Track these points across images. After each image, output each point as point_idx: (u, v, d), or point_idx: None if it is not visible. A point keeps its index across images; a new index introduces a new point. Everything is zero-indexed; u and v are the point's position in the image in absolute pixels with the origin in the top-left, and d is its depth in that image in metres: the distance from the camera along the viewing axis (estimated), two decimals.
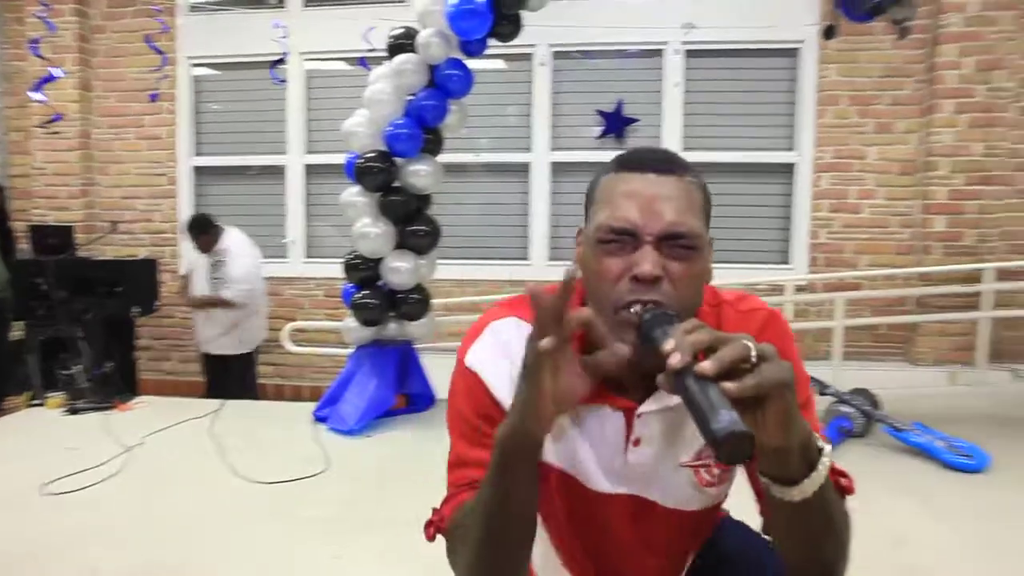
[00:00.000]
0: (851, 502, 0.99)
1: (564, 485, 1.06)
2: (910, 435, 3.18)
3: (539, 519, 1.04)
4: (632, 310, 0.90)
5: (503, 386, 1.00)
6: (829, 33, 3.61)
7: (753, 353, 0.77)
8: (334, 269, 5.14)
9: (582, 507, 1.07)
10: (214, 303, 4.37)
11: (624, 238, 0.93)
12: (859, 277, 4.99)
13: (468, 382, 1.04)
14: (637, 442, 1.02)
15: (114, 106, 5.62)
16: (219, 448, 3.14)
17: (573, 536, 1.11)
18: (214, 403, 3.82)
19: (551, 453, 1.04)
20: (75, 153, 5.53)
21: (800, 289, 5.10)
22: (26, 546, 2.22)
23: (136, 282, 4.60)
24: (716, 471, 1.06)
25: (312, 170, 5.55)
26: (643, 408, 1.00)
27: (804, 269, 5.14)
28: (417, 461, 3.11)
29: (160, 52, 4.72)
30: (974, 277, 4.72)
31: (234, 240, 4.52)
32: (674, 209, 0.94)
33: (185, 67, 5.54)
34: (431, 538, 1.03)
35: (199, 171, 5.68)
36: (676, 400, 0.83)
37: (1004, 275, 4.71)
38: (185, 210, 5.54)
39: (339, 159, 3.84)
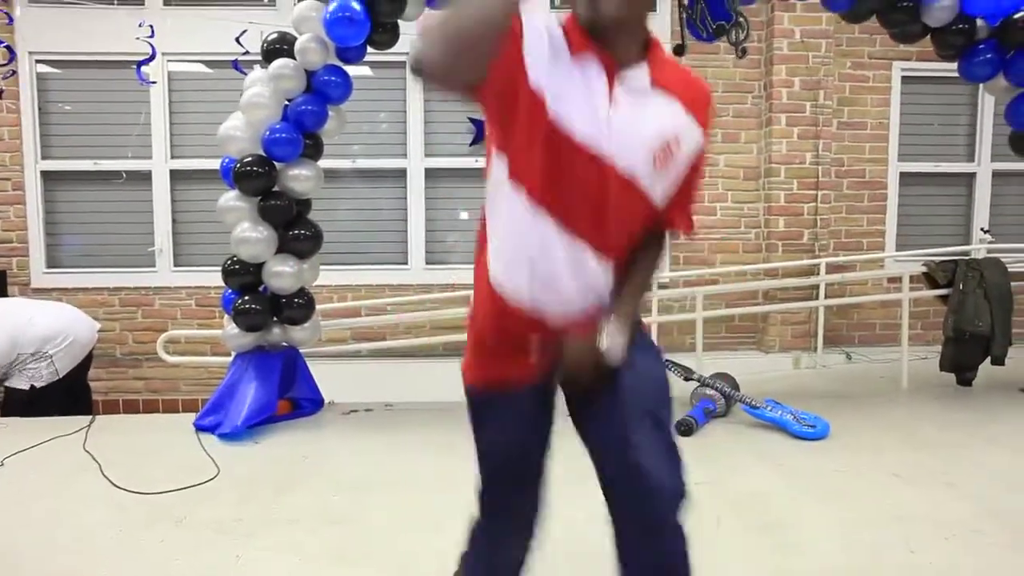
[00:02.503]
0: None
1: (549, 138, 1.21)
2: (764, 411, 3.55)
3: (527, 193, 1.24)
4: None
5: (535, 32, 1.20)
6: (678, 51, 3.97)
7: None
8: (206, 277, 5.02)
9: (558, 161, 1.22)
10: None
11: None
12: (715, 274, 5.46)
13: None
14: (615, 102, 1.22)
15: None
16: (96, 463, 2.97)
17: (545, 190, 1.24)
18: (84, 419, 3.58)
19: (544, 77, 1.19)
20: None
21: (663, 286, 5.50)
22: None
23: None
24: (665, 161, 1.28)
25: (177, 175, 5.31)
26: (625, 72, 1.23)
27: (666, 267, 5.55)
28: (309, 463, 3.10)
29: (10, 49, 4.36)
30: (811, 271, 5.32)
31: None
32: None
33: (28, 63, 5.14)
34: None
35: (48, 175, 5.28)
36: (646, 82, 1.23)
37: (833, 269, 5.35)
38: (34, 217, 5.13)
39: (206, 164, 3.74)
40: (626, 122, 1.23)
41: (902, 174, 5.74)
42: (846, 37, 5.44)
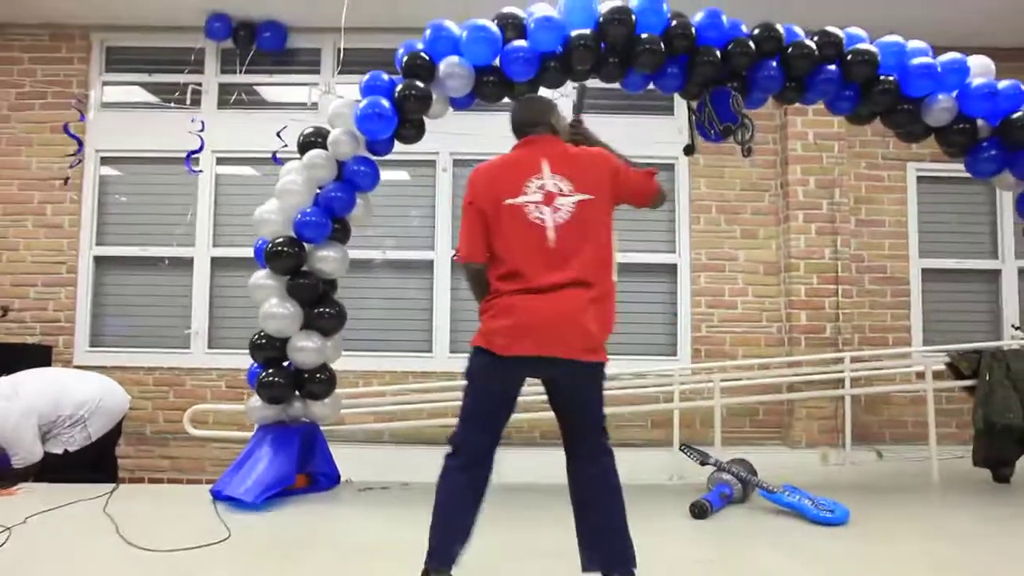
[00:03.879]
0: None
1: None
2: (782, 496, 3.48)
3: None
4: None
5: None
6: (689, 150, 4.19)
7: None
8: (237, 360, 5.20)
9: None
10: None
11: None
12: (737, 366, 5.46)
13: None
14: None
15: (15, 194, 5.58)
16: (114, 524, 3.04)
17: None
18: (108, 486, 3.68)
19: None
20: None
21: (685, 380, 5.50)
22: None
23: (28, 366, 4.43)
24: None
25: (217, 263, 5.64)
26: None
27: (688, 360, 5.58)
28: (322, 534, 3.13)
29: (79, 140, 4.81)
30: (835, 364, 5.28)
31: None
32: None
33: (94, 160, 5.62)
34: None
35: (99, 261, 5.65)
36: None
37: (858, 362, 5.31)
38: (83, 299, 5.45)
39: (246, 252, 4.00)
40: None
41: (924, 270, 5.78)
42: (859, 139, 5.65)
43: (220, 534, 2.96)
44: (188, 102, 5.64)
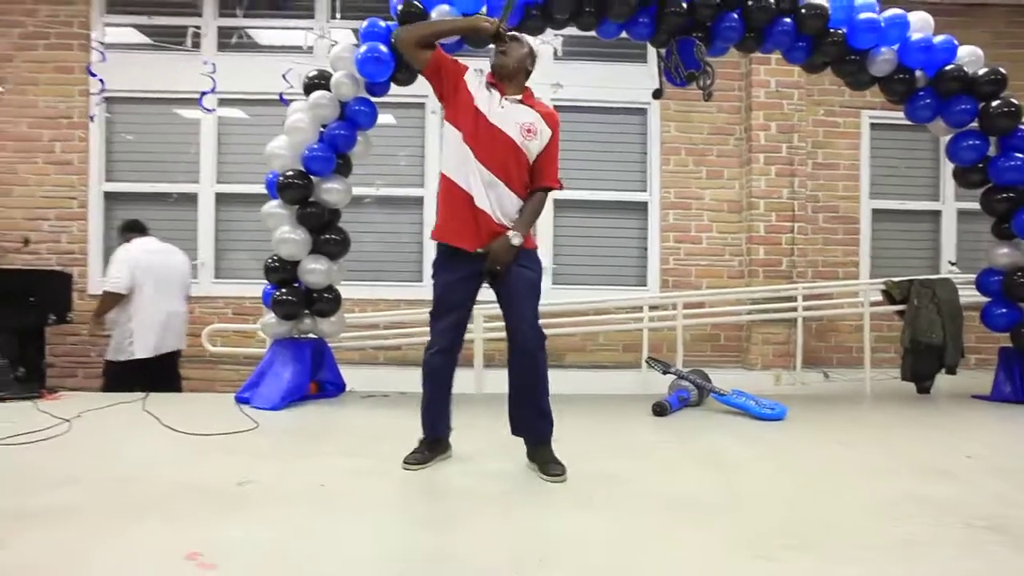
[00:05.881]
0: None
1: (476, 118, 2.69)
2: (730, 397, 4.04)
3: (461, 139, 2.69)
4: None
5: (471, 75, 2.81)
6: (657, 94, 4.61)
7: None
8: (243, 288, 5.64)
9: (479, 127, 2.68)
10: (102, 304, 4.66)
11: None
12: (701, 295, 6.00)
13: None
14: (502, 105, 2.71)
15: (24, 132, 5.87)
16: (155, 418, 3.52)
17: (471, 137, 2.69)
18: (139, 394, 4.15)
19: (479, 102, 2.72)
20: None
21: (653, 308, 6.03)
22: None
23: (50, 293, 4.84)
24: (528, 136, 2.71)
25: (221, 198, 6.01)
26: (504, 98, 2.74)
27: (657, 289, 6.11)
28: (335, 424, 3.66)
29: (101, 80, 5.10)
30: (790, 297, 5.83)
31: (130, 244, 4.79)
32: None
33: (99, 98, 5.91)
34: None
35: (109, 196, 6.00)
36: (519, 100, 2.76)
37: (809, 296, 5.87)
38: (96, 232, 5.82)
39: (247, 188, 4.34)
40: (508, 113, 2.72)
41: (874, 211, 6.32)
42: (817, 88, 6.10)
43: (249, 425, 3.46)
44: (189, 45, 5.93)
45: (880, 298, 5.19)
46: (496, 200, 2.69)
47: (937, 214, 6.37)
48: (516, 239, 2.66)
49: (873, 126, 6.28)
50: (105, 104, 5.83)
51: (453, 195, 2.72)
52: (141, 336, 4.65)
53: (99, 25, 5.97)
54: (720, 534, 2.09)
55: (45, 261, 5.81)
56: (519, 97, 2.77)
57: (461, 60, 2.89)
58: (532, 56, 2.87)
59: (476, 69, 2.85)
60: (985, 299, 4.61)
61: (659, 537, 2.09)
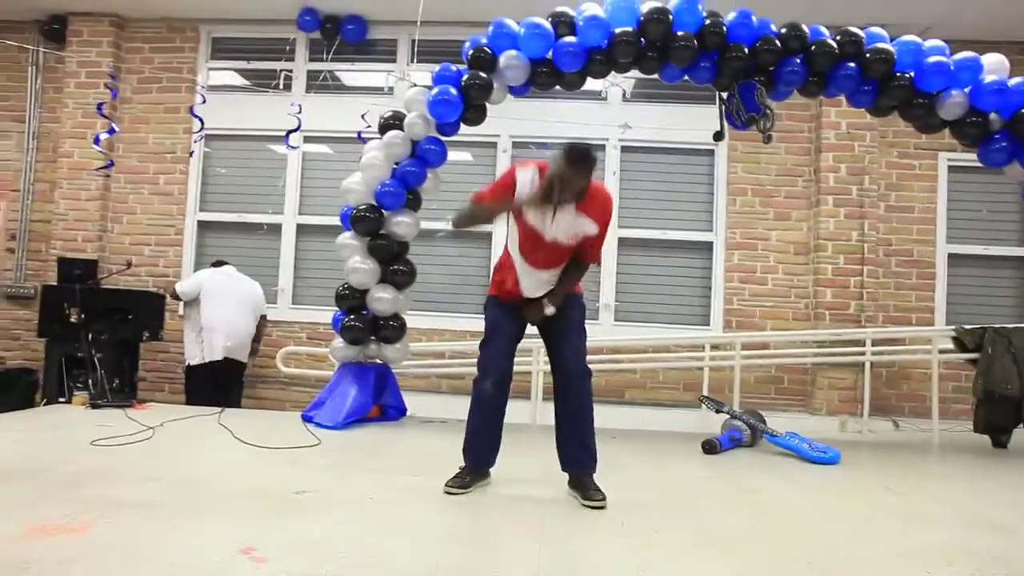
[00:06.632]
0: None
1: (529, 233, 2.84)
2: (783, 439, 4.01)
3: (519, 246, 2.89)
4: None
5: (523, 182, 2.75)
6: (717, 136, 4.70)
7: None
8: (316, 315, 5.98)
9: (534, 242, 2.84)
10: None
11: None
12: (763, 336, 5.94)
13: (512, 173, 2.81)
14: (555, 221, 2.77)
15: (135, 165, 6.47)
16: (228, 430, 3.81)
17: (526, 244, 2.88)
18: (215, 408, 4.49)
19: (531, 219, 2.80)
20: (95, 203, 6.35)
21: (715, 347, 6.01)
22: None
23: (146, 312, 5.31)
24: (578, 238, 2.84)
25: (302, 229, 6.42)
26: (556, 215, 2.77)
27: (719, 330, 6.08)
28: (393, 445, 3.86)
29: (200, 120, 5.62)
30: (857, 341, 5.70)
31: (210, 269, 5.58)
32: None
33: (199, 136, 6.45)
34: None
35: (202, 225, 6.51)
36: (573, 211, 2.80)
37: (879, 341, 5.72)
38: (188, 257, 6.35)
39: (325, 220, 4.64)
40: (560, 226, 2.80)
41: (951, 255, 6.12)
42: (891, 130, 6.00)
43: (312, 441, 3.70)
44: (280, 87, 6.43)
45: (952, 346, 5.02)
46: (546, 285, 2.95)
47: (1022, 260, 6.11)
48: (549, 310, 2.90)
49: (952, 168, 6.12)
50: (204, 140, 6.35)
51: (508, 274, 2.98)
52: (209, 341, 5.23)
53: (204, 69, 6.56)
54: (743, 565, 2.13)
55: (143, 283, 6.33)
56: (573, 204, 2.75)
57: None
58: (589, 173, 2.72)
59: (526, 169, 2.76)
60: None
61: (683, 565, 2.15)
